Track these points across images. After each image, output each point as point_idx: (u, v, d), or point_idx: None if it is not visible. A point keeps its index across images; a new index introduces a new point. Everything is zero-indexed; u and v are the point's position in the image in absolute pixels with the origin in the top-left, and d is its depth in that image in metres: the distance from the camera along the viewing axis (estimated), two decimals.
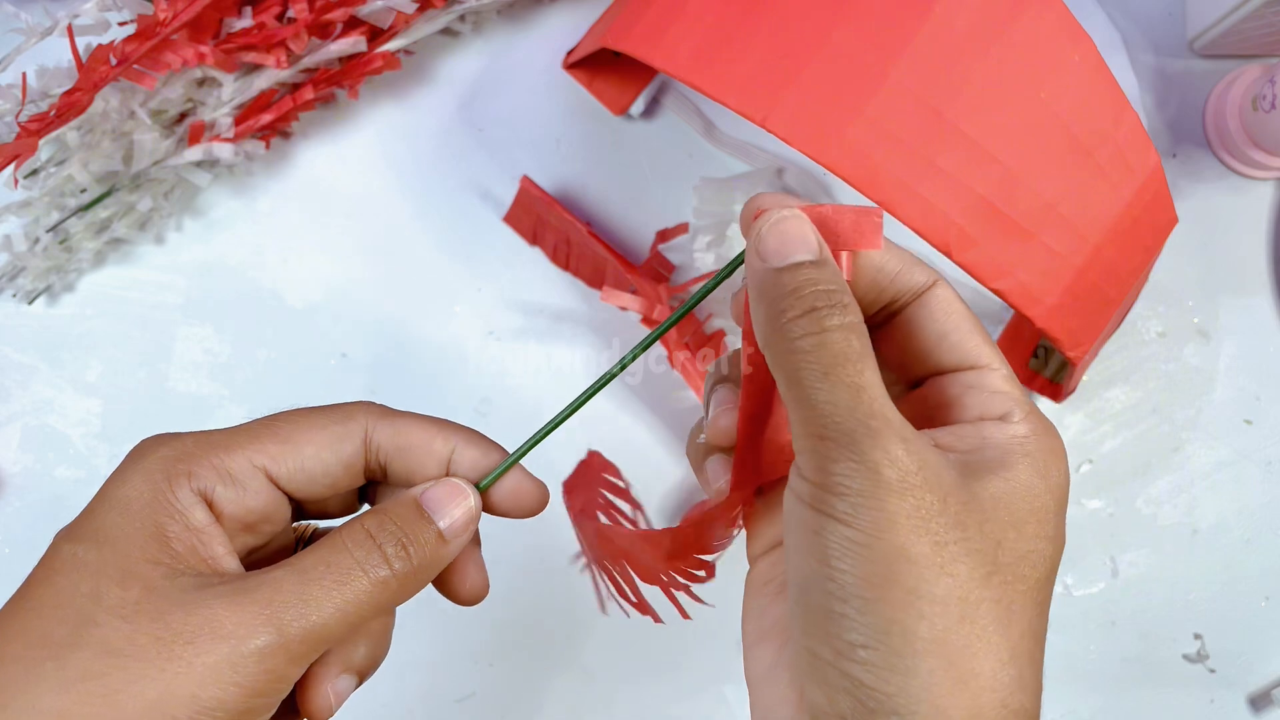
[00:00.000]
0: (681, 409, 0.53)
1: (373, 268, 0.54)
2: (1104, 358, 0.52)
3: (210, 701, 0.23)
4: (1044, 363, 0.50)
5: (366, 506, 0.29)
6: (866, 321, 0.23)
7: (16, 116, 0.46)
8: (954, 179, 0.35)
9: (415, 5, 0.50)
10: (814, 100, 0.35)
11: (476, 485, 0.28)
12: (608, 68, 0.52)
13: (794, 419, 0.23)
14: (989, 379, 0.25)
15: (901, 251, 0.27)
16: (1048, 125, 0.35)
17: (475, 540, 0.29)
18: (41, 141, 0.46)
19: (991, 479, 0.23)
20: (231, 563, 0.25)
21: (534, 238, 0.54)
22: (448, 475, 0.28)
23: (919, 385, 0.27)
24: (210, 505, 0.25)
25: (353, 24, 0.50)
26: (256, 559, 0.28)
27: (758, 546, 0.28)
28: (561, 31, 0.55)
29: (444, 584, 0.28)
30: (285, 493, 0.27)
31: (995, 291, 0.36)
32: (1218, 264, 0.52)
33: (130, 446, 0.26)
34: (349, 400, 0.28)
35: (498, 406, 0.53)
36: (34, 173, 0.50)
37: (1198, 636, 0.50)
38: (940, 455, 0.23)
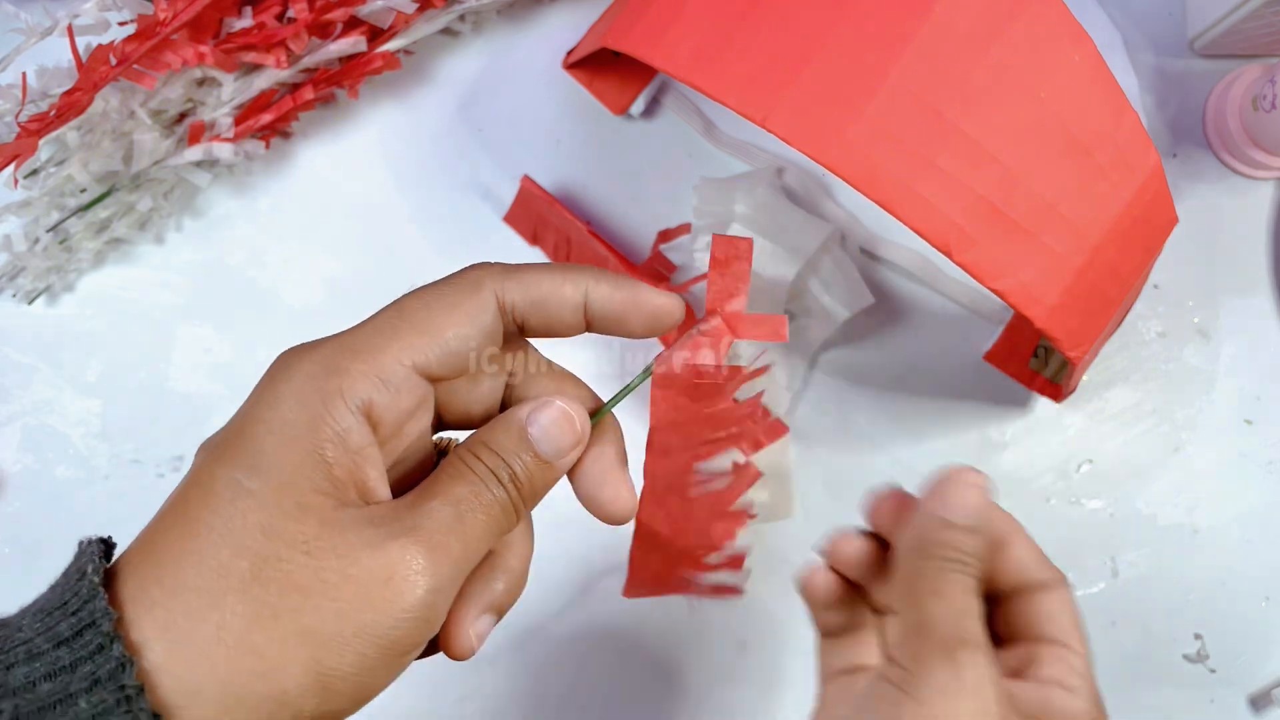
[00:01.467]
0: None
1: (373, 268, 0.54)
2: (1104, 358, 0.52)
3: (402, 639, 0.23)
4: (1044, 363, 0.50)
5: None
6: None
7: (16, 116, 0.46)
8: (954, 179, 0.35)
9: (415, 5, 0.50)
10: (814, 100, 0.35)
11: (591, 414, 0.28)
12: (608, 68, 0.52)
13: (903, 617, 0.29)
14: (1072, 660, 0.31)
15: (1037, 551, 0.33)
16: (1048, 125, 0.35)
17: (621, 459, 0.29)
18: (41, 141, 0.46)
19: None
20: (383, 487, 0.25)
21: (534, 237, 0.54)
22: (584, 321, 0.27)
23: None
24: (369, 415, 0.25)
25: (353, 24, 0.50)
26: (398, 466, 0.27)
27: (836, 663, 0.33)
28: (561, 31, 0.55)
29: (590, 502, 0.28)
30: (434, 379, 0.26)
31: (995, 291, 0.36)
32: (1218, 264, 0.52)
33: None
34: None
35: None
36: (34, 172, 0.50)
37: (1198, 636, 0.50)
38: (999, 690, 0.27)
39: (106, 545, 0.25)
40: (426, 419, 0.27)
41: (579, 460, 0.28)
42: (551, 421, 0.26)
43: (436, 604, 0.24)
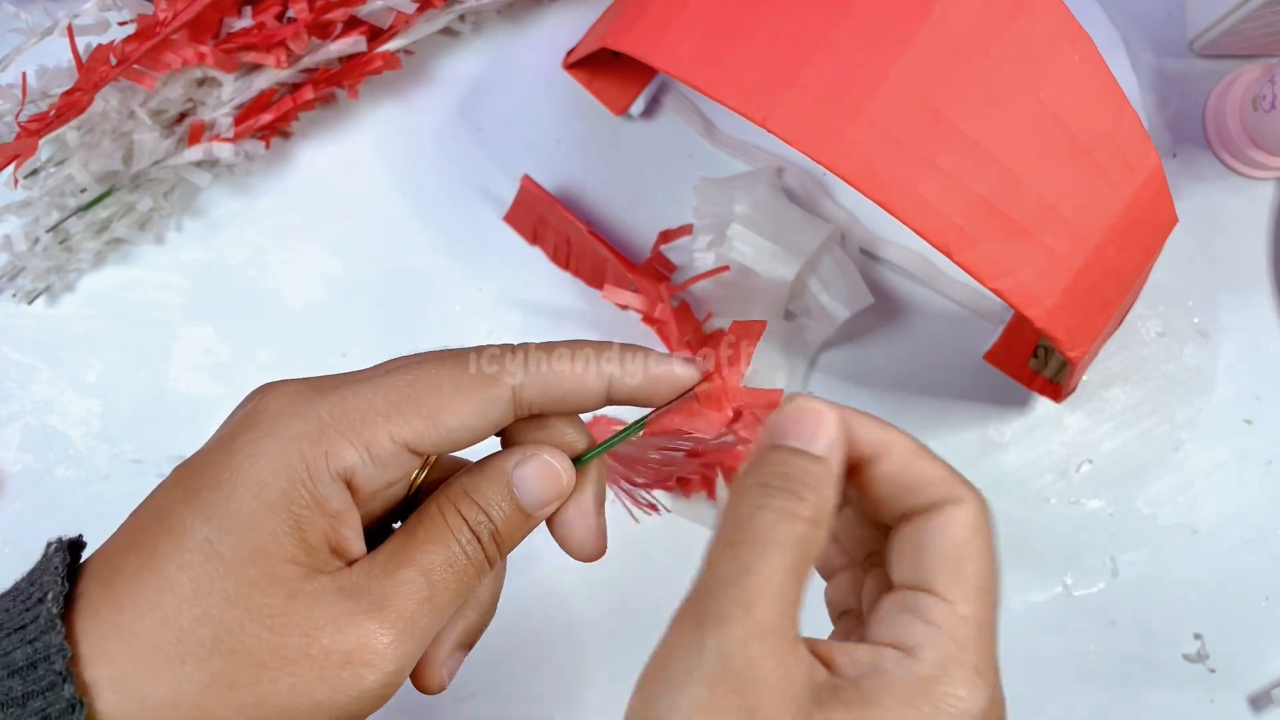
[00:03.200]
0: None
1: (373, 268, 0.54)
2: (1104, 358, 0.52)
3: (358, 713, 0.24)
4: (1044, 363, 0.50)
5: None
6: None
7: (16, 116, 0.46)
8: (954, 179, 0.35)
9: (415, 5, 0.50)
10: (814, 100, 0.35)
11: (575, 460, 0.27)
12: (608, 68, 0.52)
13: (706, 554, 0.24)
14: (939, 613, 0.24)
15: (932, 459, 0.27)
16: (1048, 125, 0.35)
17: (599, 502, 0.28)
18: (41, 141, 0.46)
19: (840, 713, 0.21)
20: (358, 544, 0.25)
21: (534, 237, 0.54)
22: (604, 402, 0.26)
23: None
24: (349, 483, 0.24)
25: (353, 24, 0.50)
26: (369, 511, 0.27)
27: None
28: (561, 31, 0.55)
29: (562, 540, 0.28)
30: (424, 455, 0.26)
31: (995, 291, 0.36)
32: (1218, 264, 0.52)
33: (131, 446, 0.26)
34: None
35: None
36: (34, 173, 0.50)
37: (1198, 636, 0.50)
38: (793, 669, 0.21)
39: (74, 549, 0.25)
40: (407, 478, 0.27)
41: None
42: (537, 475, 0.26)
43: (396, 684, 0.24)
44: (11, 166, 0.45)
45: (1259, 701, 0.50)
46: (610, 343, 0.27)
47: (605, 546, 0.27)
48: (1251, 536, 0.51)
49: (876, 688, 0.22)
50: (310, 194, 0.55)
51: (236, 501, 0.23)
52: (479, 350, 0.26)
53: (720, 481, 0.49)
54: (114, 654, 0.22)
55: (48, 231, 0.51)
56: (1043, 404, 0.52)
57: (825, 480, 0.23)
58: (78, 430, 0.53)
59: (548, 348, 0.26)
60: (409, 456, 0.25)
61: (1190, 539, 0.51)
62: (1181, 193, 0.53)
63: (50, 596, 0.23)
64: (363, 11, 0.49)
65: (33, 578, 0.24)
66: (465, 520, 0.25)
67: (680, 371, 0.27)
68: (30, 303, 0.53)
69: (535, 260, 0.54)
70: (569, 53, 0.52)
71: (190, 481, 0.24)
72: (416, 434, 0.25)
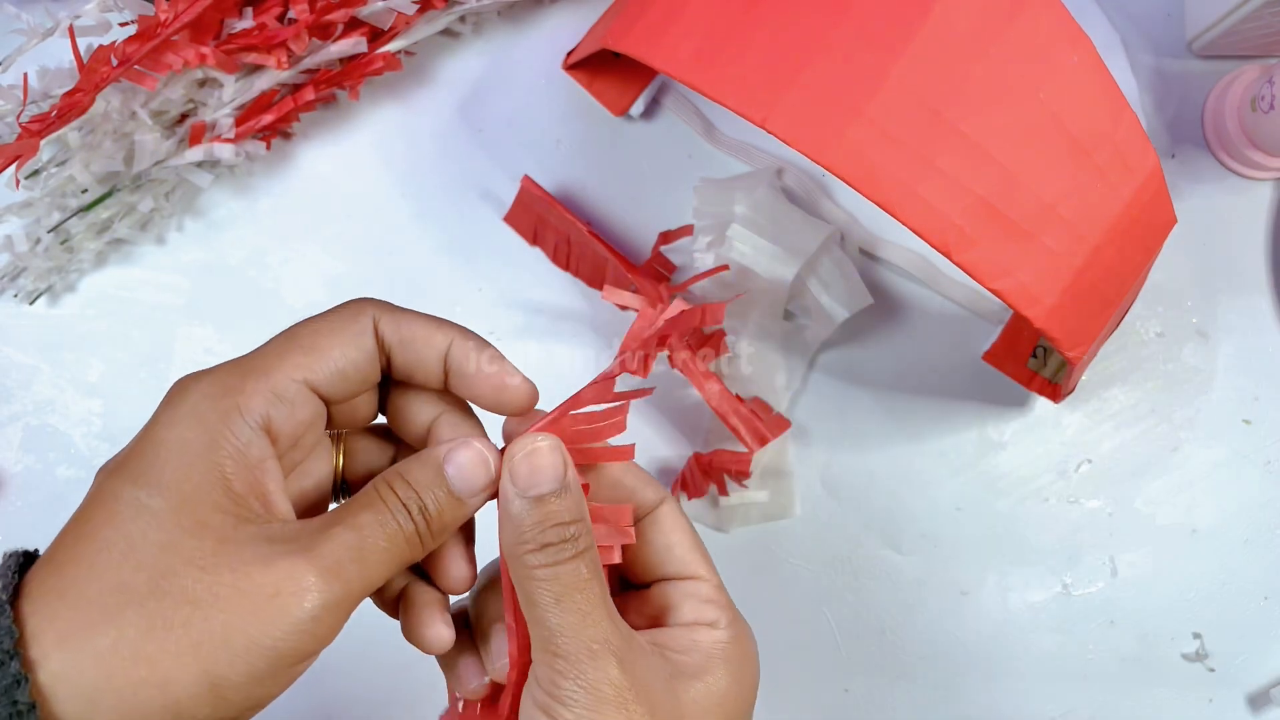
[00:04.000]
0: (683, 406, 0.53)
1: (373, 268, 0.54)
2: (1103, 358, 0.52)
3: (289, 651, 0.24)
4: (1043, 363, 0.50)
5: (381, 419, 0.31)
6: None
7: (18, 117, 0.46)
8: (953, 179, 0.35)
9: (416, 6, 0.50)
10: (814, 100, 0.35)
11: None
12: (608, 68, 0.52)
13: (532, 631, 0.27)
14: (702, 589, 0.30)
15: (638, 470, 0.31)
16: (1047, 126, 0.35)
17: (467, 534, 0.30)
18: (43, 142, 0.46)
19: (694, 684, 0.28)
20: (283, 503, 0.26)
21: (534, 238, 0.54)
22: (444, 373, 0.29)
23: (648, 586, 0.31)
24: (267, 430, 0.26)
25: (353, 25, 0.50)
26: (300, 489, 0.29)
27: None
28: (561, 32, 0.55)
29: (433, 571, 0.29)
30: (325, 398, 0.28)
31: (994, 292, 0.36)
32: (1217, 264, 0.53)
33: None
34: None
35: None
36: (35, 173, 0.50)
37: (1197, 636, 0.50)
38: (653, 665, 0.27)
39: (28, 556, 0.26)
40: (320, 429, 0.29)
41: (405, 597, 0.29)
42: (468, 461, 0.27)
43: (324, 619, 0.25)
44: (13, 167, 0.45)
45: (1258, 701, 0.50)
46: (465, 328, 0.29)
47: (450, 640, 0.29)
48: (1251, 536, 0.51)
49: (707, 659, 0.28)
50: (311, 194, 0.55)
51: (160, 460, 0.25)
52: (343, 303, 0.29)
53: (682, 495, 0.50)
54: (58, 617, 0.24)
55: (49, 232, 0.51)
56: (1042, 404, 0.52)
57: (571, 506, 0.27)
58: (79, 430, 0.54)
59: (409, 318, 0.29)
60: (311, 396, 0.27)
61: (1190, 539, 0.51)
62: (1180, 193, 0.53)
63: (1, 585, 0.24)
64: (363, 13, 0.49)
65: None
66: (397, 494, 0.27)
67: (511, 380, 0.29)
68: (32, 303, 0.54)
69: (535, 260, 0.54)
70: (569, 54, 0.52)
71: (117, 460, 0.26)
72: (308, 370, 0.27)
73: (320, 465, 0.30)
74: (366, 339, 0.28)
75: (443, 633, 0.28)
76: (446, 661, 0.31)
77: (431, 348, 0.29)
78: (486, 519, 0.29)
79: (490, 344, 0.29)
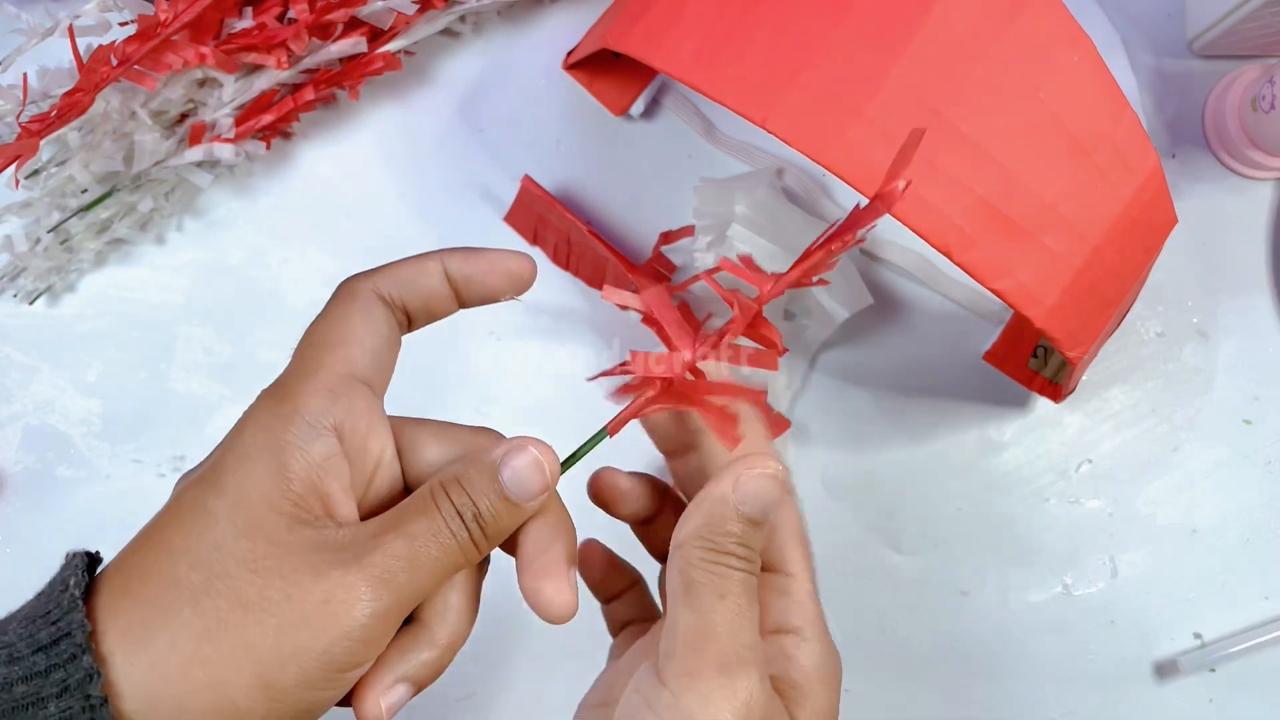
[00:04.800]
0: None
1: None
2: (1103, 358, 0.52)
3: (341, 659, 0.24)
4: (1043, 363, 0.50)
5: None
6: None
7: (18, 117, 0.46)
8: (954, 179, 0.35)
9: (415, 6, 0.50)
10: (814, 100, 0.35)
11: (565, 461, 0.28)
12: (608, 68, 0.52)
13: (682, 620, 0.26)
14: (793, 587, 0.29)
15: (767, 441, 0.30)
16: (1047, 126, 0.35)
17: (570, 557, 0.28)
18: (43, 142, 0.46)
19: (800, 710, 0.27)
20: (346, 503, 0.26)
21: (534, 237, 0.54)
22: (453, 293, 0.29)
23: None
24: (335, 428, 0.26)
25: (353, 25, 0.50)
26: (371, 494, 0.28)
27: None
28: (561, 32, 0.55)
29: (532, 595, 0.28)
30: (372, 386, 0.28)
31: (995, 292, 0.36)
32: (1217, 264, 0.52)
33: (131, 446, 0.27)
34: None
35: (498, 406, 0.53)
36: (35, 173, 0.50)
37: (1197, 636, 0.50)
38: (773, 697, 0.26)
39: (91, 558, 0.26)
40: (387, 437, 0.28)
41: (527, 550, 0.28)
42: (524, 464, 0.27)
43: (374, 628, 0.25)
44: (13, 167, 0.45)
45: (1165, 669, 0.50)
46: (457, 249, 0.30)
47: (575, 607, 0.28)
48: (1251, 536, 0.51)
49: (803, 679, 0.28)
50: (311, 194, 0.55)
51: (224, 465, 0.25)
52: (333, 294, 0.30)
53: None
54: (121, 614, 0.24)
55: (49, 232, 0.51)
56: (1042, 404, 0.52)
57: (757, 539, 0.27)
58: (78, 430, 0.54)
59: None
60: (360, 385, 0.27)
61: (1190, 539, 0.51)
62: (1181, 193, 0.53)
63: (74, 581, 0.24)
64: (363, 12, 0.49)
65: (58, 575, 0.25)
66: (451, 500, 0.26)
67: (509, 261, 0.29)
68: (31, 303, 0.54)
69: (536, 260, 0.54)
70: (569, 53, 0.52)
71: (192, 473, 0.27)
72: (347, 361, 0.27)
73: (394, 483, 0.29)
74: (378, 309, 0.28)
75: (380, 712, 0.27)
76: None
77: (432, 276, 0.29)
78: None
79: (473, 248, 0.29)
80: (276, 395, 0.27)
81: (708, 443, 0.30)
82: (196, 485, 0.26)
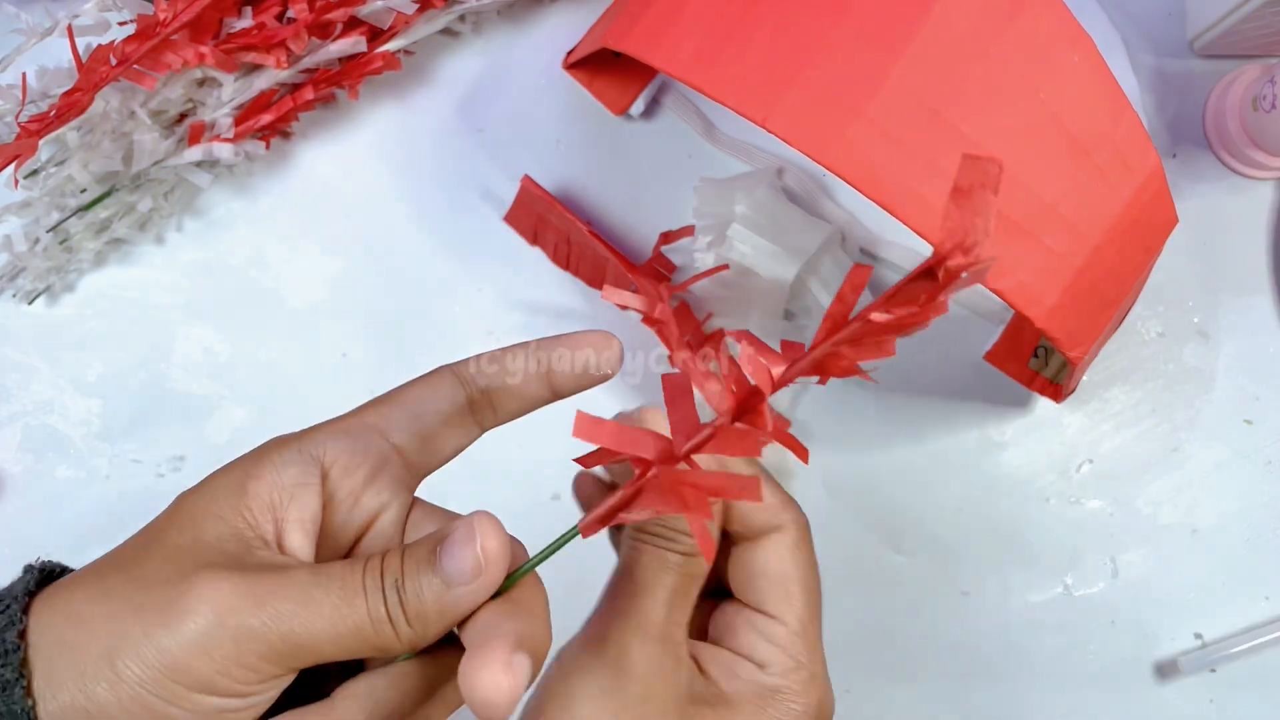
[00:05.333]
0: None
1: (373, 268, 0.54)
2: (1104, 358, 0.52)
3: (182, 660, 0.22)
4: (1044, 363, 0.50)
5: None
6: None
7: (17, 117, 0.46)
8: (954, 179, 0.35)
9: (415, 6, 0.50)
10: (814, 100, 0.35)
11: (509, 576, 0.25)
12: (608, 68, 0.52)
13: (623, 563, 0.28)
14: (773, 629, 0.28)
15: (771, 490, 0.29)
16: (1047, 126, 0.35)
17: (516, 640, 0.23)
18: (42, 142, 0.46)
19: (706, 712, 0.26)
20: (298, 538, 0.24)
21: (534, 237, 0.54)
22: (550, 387, 0.28)
23: (726, 595, 0.30)
24: (321, 460, 0.25)
25: (353, 24, 0.50)
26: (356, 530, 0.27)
27: None
28: (561, 31, 0.55)
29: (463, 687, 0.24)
30: (401, 451, 0.27)
31: (995, 291, 0.36)
32: (1217, 264, 0.52)
33: (131, 446, 0.27)
34: (352, 399, 0.28)
35: None
36: (34, 173, 0.50)
37: (1198, 636, 0.50)
38: (680, 670, 0.27)
39: (44, 573, 0.25)
40: (389, 497, 0.26)
41: (473, 630, 0.24)
42: (460, 536, 0.24)
43: (220, 640, 0.22)
44: (12, 167, 0.45)
45: (1165, 670, 0.50)
46: (549, 338, 0.28)
47: (511, 700, 0.22)
48: (1251, 536, 0.51)
49: (736, 694, 0.27)
50: (310, 194, 0.55)
51: (212, 480, 0.25)
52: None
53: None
54: (55, 604, 0.24)
55: (48, 232, 0.51)
56: (1043, 404, 0.52)
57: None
58: (78, 430, 0.53)
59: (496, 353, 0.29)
60: (382, 441, 0.26)
61: (1190, 539, 0.51)
62: (1181, 193, 0.53)
63: (20, 587, 0.24)
64: (363, 12, 0.49)
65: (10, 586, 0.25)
66: (381, 560, 0.24)
67: (593, 345, 0.28)
68: (30, 303, 0.53)
69: (535, 260, 0.54)
70: (569, 53, 0.52)
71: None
72: (383, 416, 0.27)
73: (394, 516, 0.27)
74: (445, 385, 0.27)
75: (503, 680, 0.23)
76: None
77: (514, 370, 0.28)
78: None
79: (558, 337, 0.29)
80: (300, 433, 0.26)
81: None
82: (169, 509, 0.26)
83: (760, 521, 0.29)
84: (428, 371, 0.28)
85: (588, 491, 0.31)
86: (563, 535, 0.25)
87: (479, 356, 0.28)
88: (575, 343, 0.28)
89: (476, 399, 0.28)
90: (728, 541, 0.30)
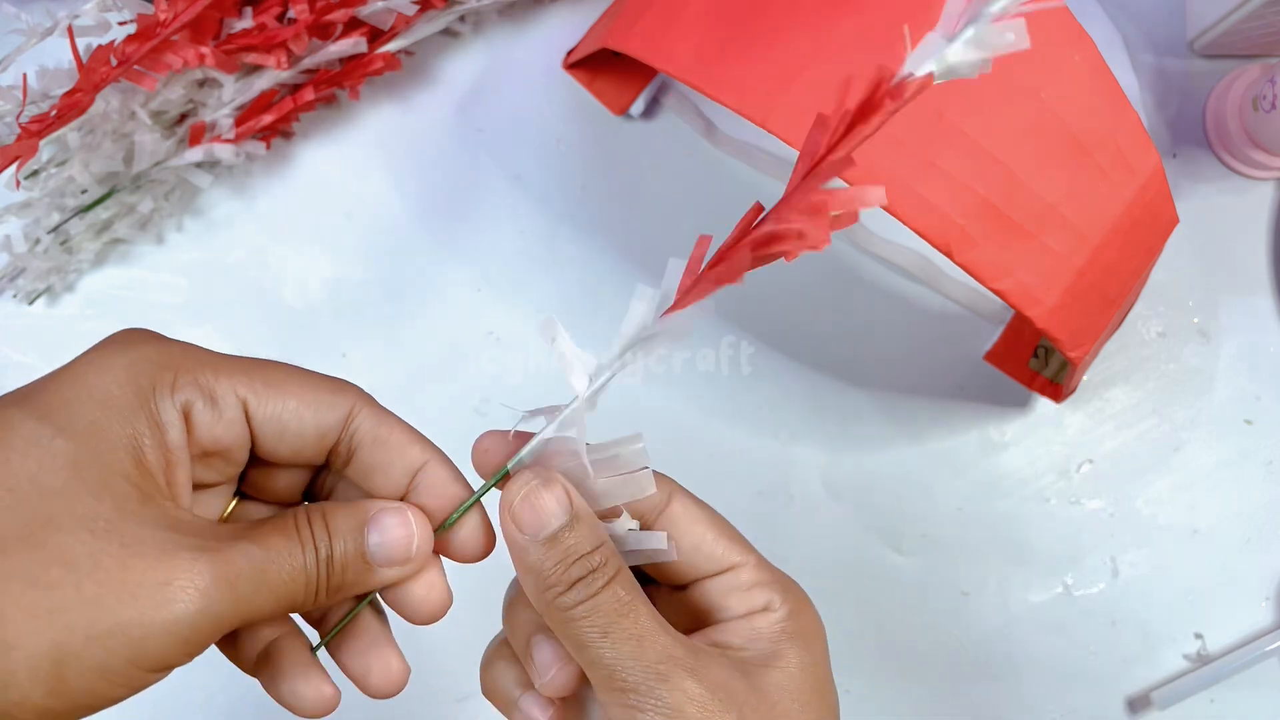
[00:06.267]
0: (674, 375, 0.53)
1: (373, 268, 0.54)
2: (1104, 358, 0.52)
3: (153, 651, 0.21)
4: (1044, 363, 0.50)
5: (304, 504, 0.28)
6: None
7: (17, 117, 0.46)
8: (955, 179, 0.35)
9: (415, 6, 0.50)
10: (814, 101, 0.35)
11: (438, 528, 0.26)
12: (608, 68, 0.52)
13: (591, 676, 0.25)
14: (743, 576, 0.27)
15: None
16: (1048, 126, 0.35)
17: (435, 559, 0.27)
18: (42, 142, 0.46)
19: (771, 672, 0.26)
20: (187, 497, 0.24)
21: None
22: (407, 488, 0.26)
23: (684, 587, 0.29)
24: (186, 420, 0.24)
25: (353, 25, 0.50)
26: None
27: None
28: (561, 31, 0.55)
29: (396, 602, 0.27)
30: (254, 436, 0.25)
31: (996, 292, 0.36)
32: (1218, 264, 0.52)
33: None
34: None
35: (497, 406, 0.53)
36: (35, 174, 0.50)
37: (1198, 636, 0.50)
38: (724, 665, 0.25)
39: None
40: (234, 470, 0.26)
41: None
42: (394, 530, 0.25)
43: (201, 629, 0.22)
44: (12, 168, 0.45)
45: (1137, 704, 0.49)
46: (446, 457, 0.27)
47: (445, 606, 0.27)
48: (1252, 536, 0.51)
49: (770, 645, 0.26)
50: (310, 194, 0.55)
51: (78, 403, 0.22)
52: (338, 379, 0.27)
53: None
54: None
55: (48, 232, 0.51)
56: (1043, 404, 0.52)
57: (586, 535, 0.25)
58: None
59: (391, 421, 0.27)
60: (243, 422, 0.25)
61: (1191, 539, 0.51)
62: (1181, 193, 0.53)
63: None
64: (363, 12, 0.49)
65: None
66: (312, 532, 0.24)
67: (475, 536, 0.27)
68: (31, 303, 0.53)
69: (535, 260, 0.54)
70: (569, 53, 0.52)
71: (27, 391, 0.23)
72: (256, 394, 0.25)
73: (209, 506, 0.27)
74: (331, 415, 0.26)
75: (326, 690, 0.25)
76: (492, 688, 0.29)
77: (404, 459, 0.26)
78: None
79: (465, 481, 0.27)
80: (166, 356, 0.24)
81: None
82: (35, 414, 0.22)
83: (657, 499, 0.28)
84: (331, 380, 0.26)
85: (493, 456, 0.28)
86: (486, 484, 0.26)
87: (383, 421, 0.26)
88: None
89: (341, 444, 0.26)
90: (652, 585, 0.29)
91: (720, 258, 0.24)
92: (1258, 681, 0.50)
